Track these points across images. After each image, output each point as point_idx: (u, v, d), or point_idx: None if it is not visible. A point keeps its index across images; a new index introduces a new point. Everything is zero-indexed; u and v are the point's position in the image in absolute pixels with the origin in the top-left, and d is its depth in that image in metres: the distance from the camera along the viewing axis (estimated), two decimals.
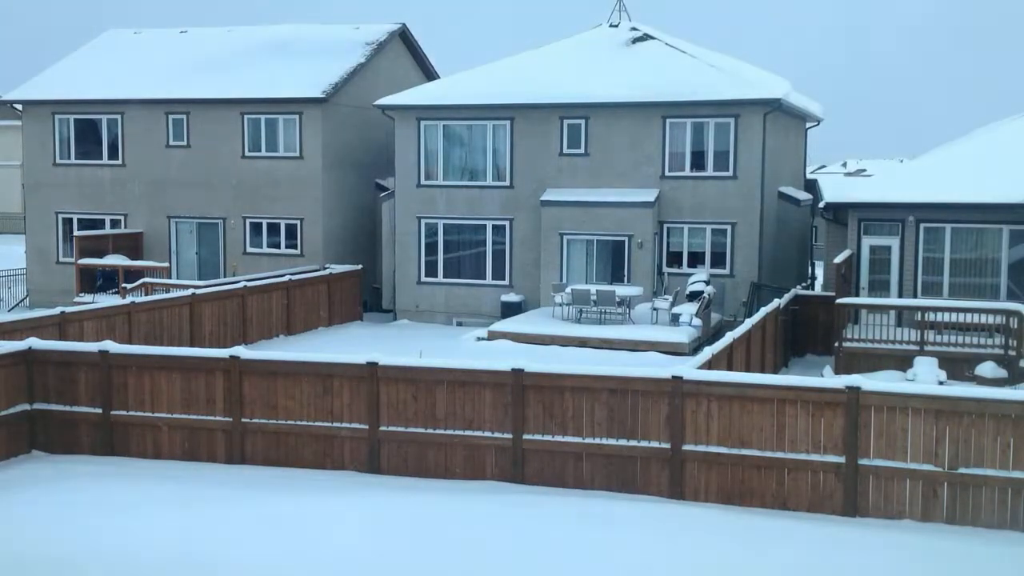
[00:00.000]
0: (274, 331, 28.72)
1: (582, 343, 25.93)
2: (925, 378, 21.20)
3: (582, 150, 31.20)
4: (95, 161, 36.31)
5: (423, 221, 32.74)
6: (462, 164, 32.75)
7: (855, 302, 24.92)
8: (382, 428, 15.03)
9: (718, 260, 30.26)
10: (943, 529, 12.81)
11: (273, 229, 34.88)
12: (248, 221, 34.92)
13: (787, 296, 26.06)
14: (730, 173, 30.03)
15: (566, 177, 31.31)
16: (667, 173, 30.54)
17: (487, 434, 14.64)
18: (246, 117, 34.51)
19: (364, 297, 33.61)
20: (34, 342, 16.49)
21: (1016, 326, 22.95)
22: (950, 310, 23.94)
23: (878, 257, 26.60)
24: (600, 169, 31.00)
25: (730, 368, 17.87)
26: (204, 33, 39.76)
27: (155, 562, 11.24)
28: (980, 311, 23.57)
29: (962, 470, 12.94)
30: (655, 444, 14.02)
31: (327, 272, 31.92)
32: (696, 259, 30.44)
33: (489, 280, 32.31)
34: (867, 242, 26.69)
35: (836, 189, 35.22)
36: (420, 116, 32.54)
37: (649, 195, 30.23)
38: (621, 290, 27.69)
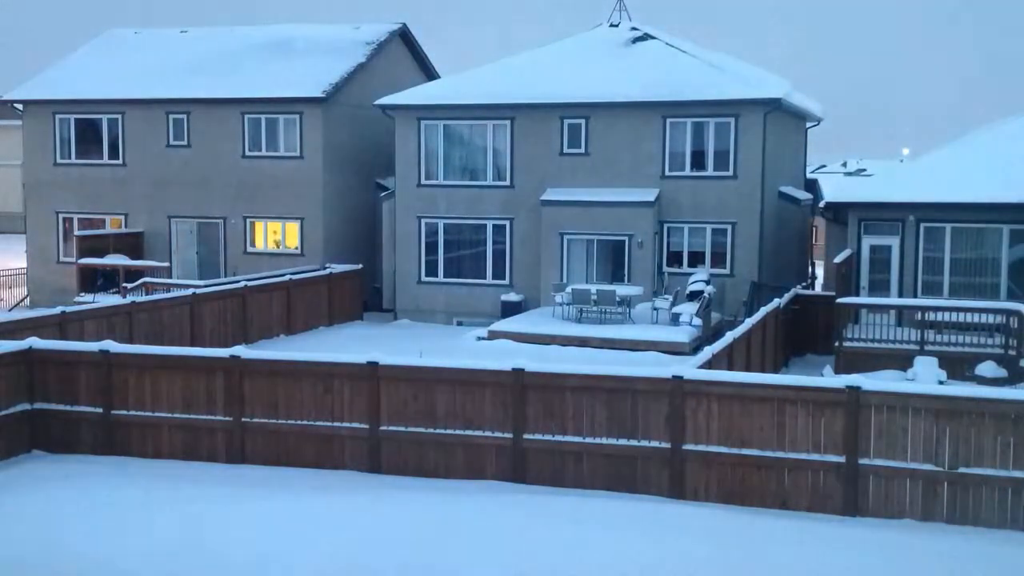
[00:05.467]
0: (274, 331, 28.72)
1: (582, 343, 25.92)
2: (925, 378, 21.20)
3: (582, 150, 31.20)
4: (95, 161, 36.31)
5: (423, 221, 32.74)
6: (462, 164, 32.75)
7: (855, 302, 24.92)
8: (382, 428, 15.03)
9: (718, 260, 30.26)
10: (943, 529, 12.82)
11: (273, 229, 34.93)
12: (248, 221, 34.93)
13: (787, 296, 26.06)
14: (730, 173, 30.04)
15: (566, 177, 31.31)
16: (667, 173, 30.54)
17: (487, 434, 14.64)
18: (246, 117, 34.51)
19: (364, 297, 33.62)
20: (35, 342, 16.50)
21: (1016, 326, 22.95)
22: (950, 310, 23.94)
23: (878, 257, 26.60)
24: (600, 169, 31.00)
25: (730, 368, 17.86)
26: (204, 33, 39.76)
27: (155, 561, 11.25)
28: (980, 311, 23.57)
29: (962, 470, 12.95)
30: (655, 444, 14.03)
31: (327, 272, 31.92)
32: (696, 259, 30.44)
33: (489, 280, 32.31)
34: (867, 242, 26.70)
35: (836, 189, 35.25)
36: (420, 116, 32.55)
37: (649, 195, 30.23)
38: (621, 290, 27.69)
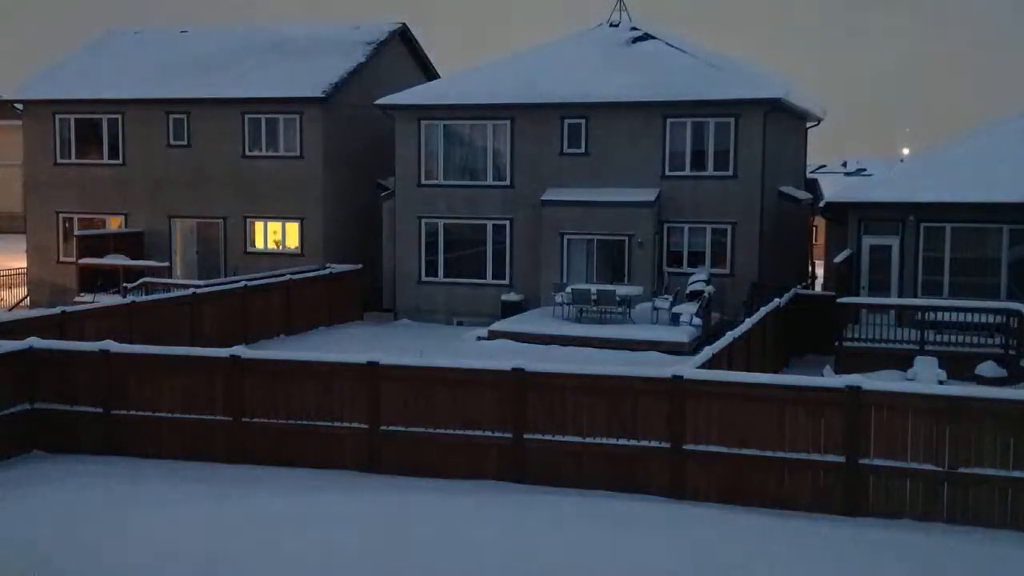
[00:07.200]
0: (274, 331, 28.70)
1: (582, 343, 25.91)
2: (925, 378, 21.20)
3: (582, 150, 31.20)
4: (95, 161, 36.29)
5: (423, 221, 32.73)
6: (462, 164, 32.74)
7: (855, 302, 24.93)
8: (382, 427, 15.04)
9: (718, 260, 30.25)
10: (943, 529, 12.83)
11: (273, 229, 34.93)
12: (248, 221, 34.93)
13: (787, 296, 26.07)
14: (730, 172, 30.04)
15: (566, 177, 31.30)
16: (667, 172, 30.54)
17: (487, 434, 14.65)
18: (246, 117, 34.51)
19: (364, 297, 33.61)
20: (35, 341, 16.50)
21: (1016, 326, 22.96)
22: (950, 310, 23.95)
23: (878, 257, 26.60)
24: (600, 169, 31.00)
25: (730, 367, 17.87)
26: (204, 33, 39.76)
27: (155, 560, 11.25)
28: (980, 311, 23.58)
29: (962, 470, 12.96)
30: (655, 443, 14.03)
31: (327, 272, 31.91)
32: (696, 258, 30.43)
33: (489, 280, 32.30)
34: (867, 242, 26.70)
35: (836, 189, 35.24)
36: (420, 116, 32.54)
37: (649, 194, 30.23)
38: (621, 290, 27.69)
